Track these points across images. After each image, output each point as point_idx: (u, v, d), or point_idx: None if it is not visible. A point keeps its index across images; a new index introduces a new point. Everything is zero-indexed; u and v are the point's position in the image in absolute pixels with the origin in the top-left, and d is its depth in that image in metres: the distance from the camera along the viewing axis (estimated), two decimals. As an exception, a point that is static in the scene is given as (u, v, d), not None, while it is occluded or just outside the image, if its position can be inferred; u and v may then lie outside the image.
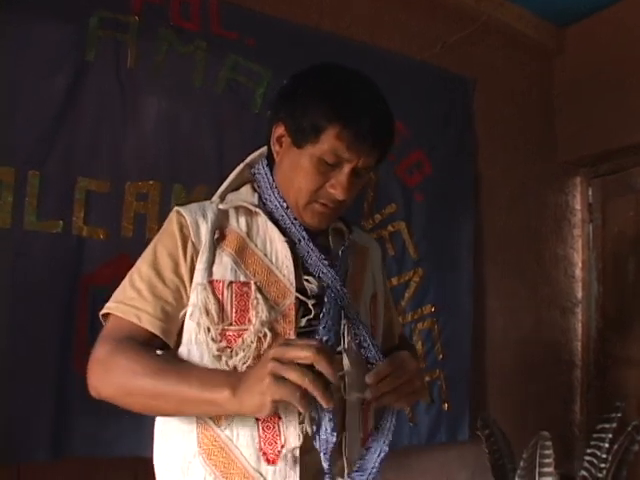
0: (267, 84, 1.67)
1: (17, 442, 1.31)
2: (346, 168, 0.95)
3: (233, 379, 0.83)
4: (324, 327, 0.93)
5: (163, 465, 0.99)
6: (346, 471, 0.95)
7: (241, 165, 1.08)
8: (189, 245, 0.96)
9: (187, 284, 0.95)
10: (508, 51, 2.37)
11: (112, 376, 0.88)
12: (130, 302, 0.93)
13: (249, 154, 1.10)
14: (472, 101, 2.20)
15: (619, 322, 2.41)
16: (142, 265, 0.97)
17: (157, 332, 0.92)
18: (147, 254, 0.98)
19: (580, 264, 2.56)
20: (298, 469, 0.90)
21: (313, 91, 0.96)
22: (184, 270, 0.95)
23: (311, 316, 0.96)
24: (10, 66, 1.34)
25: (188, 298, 0.95)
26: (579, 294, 2.56)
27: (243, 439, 0.91)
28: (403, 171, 1.98)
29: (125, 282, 0.97)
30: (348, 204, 1.02)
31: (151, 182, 1.51)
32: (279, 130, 1.00)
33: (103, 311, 0.95)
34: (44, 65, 1.38)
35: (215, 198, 1.04)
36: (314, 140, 0.94)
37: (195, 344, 0.93)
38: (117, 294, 0.96)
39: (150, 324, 0.91)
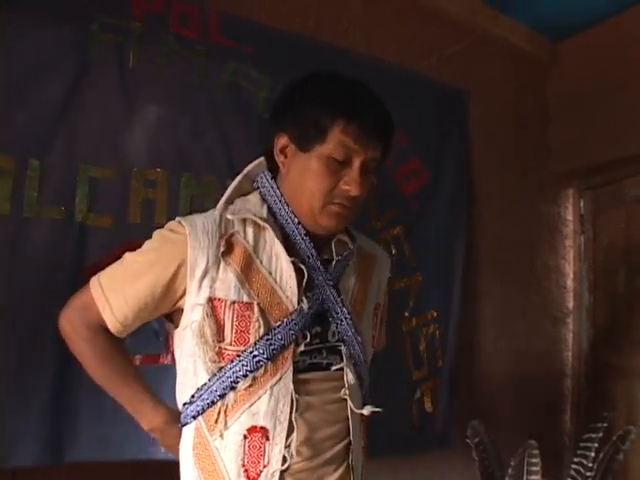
0: (268, 89, 1.68)
1: (12, 445, 1.26)
2: (356, 162, 0.96)
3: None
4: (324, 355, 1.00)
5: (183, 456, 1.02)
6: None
7: (239, 176, 1.07)
8: (182, 263, 0.95)
9: (164, 295, 0.97)
10: (503, 63, 2.40)
11: (77, 354, 1.03)
12: (108, 293, 0.98)
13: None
14: (467, 112, 2.22)
15: (610, 332, 2.44)
16: (133, 261, 1.00)
17: (113, 331, 0.99)
18: (141, 256, 1.00)
19: (571, 275, 2.59)
20: None
21: (312, 94, 0.97)
22: (169, 286, 0.97)
23: (307, 340, 0.97)
24: (10, 65, 1.34)
25: (161, 304, 0.99)
26: (570, 304, 2.58)
27: (229, 453, 0.93)
28: (400, 178, 2.00)
29: (117, 271, 1.01)
30: (361, 202, 1.01)
31: (158, 170, 1.49)
32: (282, 141, 1.00)
33: (93, 279, 1.01)
34: (46, 63, 1.37)
35: (220, 205, 1.03)
36: (320, 140, 0.94)
37: (199, 358, 0.95)
38: (109, 274, 1.01)
39: (111, 324, 0.99)
